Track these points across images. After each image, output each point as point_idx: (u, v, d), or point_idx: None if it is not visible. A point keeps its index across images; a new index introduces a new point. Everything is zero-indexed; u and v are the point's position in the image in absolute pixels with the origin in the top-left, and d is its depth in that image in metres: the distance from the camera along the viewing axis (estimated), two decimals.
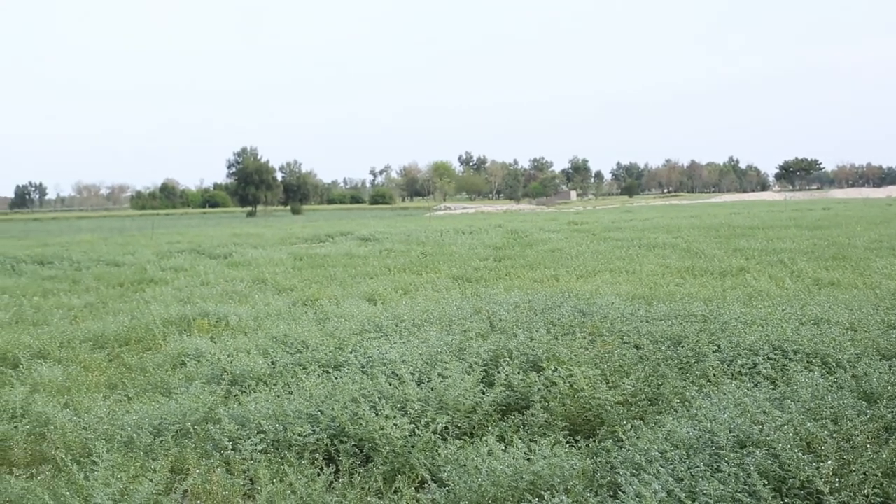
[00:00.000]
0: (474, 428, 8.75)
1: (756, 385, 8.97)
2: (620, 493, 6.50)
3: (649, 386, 9.44)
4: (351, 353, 11.41)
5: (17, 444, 8.98)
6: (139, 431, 8.78)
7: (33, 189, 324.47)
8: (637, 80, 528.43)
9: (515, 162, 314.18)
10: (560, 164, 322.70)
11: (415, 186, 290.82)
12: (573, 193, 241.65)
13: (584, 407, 8.89)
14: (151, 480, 7.10)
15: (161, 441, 8.62)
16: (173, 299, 19.74)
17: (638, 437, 7.64)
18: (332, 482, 7.53)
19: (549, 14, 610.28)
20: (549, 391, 9.16)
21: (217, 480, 7.56)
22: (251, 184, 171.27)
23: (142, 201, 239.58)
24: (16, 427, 9.35)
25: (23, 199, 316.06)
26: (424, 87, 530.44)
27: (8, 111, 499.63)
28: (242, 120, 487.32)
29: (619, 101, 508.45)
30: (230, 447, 8.17)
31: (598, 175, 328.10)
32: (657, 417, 8.52)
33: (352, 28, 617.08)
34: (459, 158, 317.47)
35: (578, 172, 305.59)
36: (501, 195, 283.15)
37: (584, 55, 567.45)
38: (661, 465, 6.76)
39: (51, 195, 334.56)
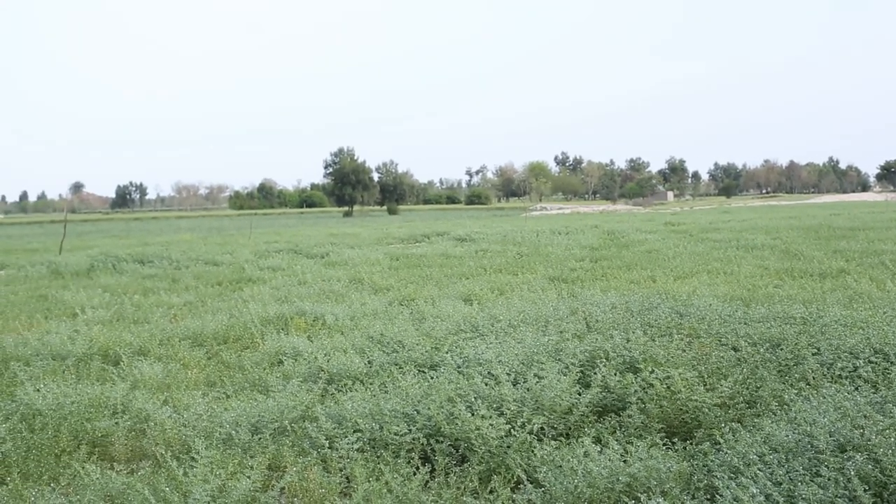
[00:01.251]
0: (570, 429, 8.71)
1: (857, 388, 8.82)
2: (718, 496, 6.44)
3: (747, 388, 9.35)
4: (447, 352, 11.41)
5: (118, 440, 9.11)
6: (237, 429, 8.86)
7: (134, 189, 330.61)
8: (736, 70, 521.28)
9: (612, 162, 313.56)
10: (657, 165, 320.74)
11: (511, 187, 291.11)
12: (670, 194, 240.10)
13: (681, 409, 8.83)
14: (249, 477, 7.16)
15: (259, 438, 8.70)
16: (271, 298, 19.90)
17: (736, 440, 7.56)
18: (427, 481, 7.56)
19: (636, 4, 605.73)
20: (646, 393, 9.10)
21: (314, 478, 7.62)
22: (348, 184, 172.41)
23: (240, 201, 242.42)
24: (117, 423, 9.49)
25: (124, 198, 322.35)
26: (521, 87, 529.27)
27: (110, 115, 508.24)
28: (340, 120, 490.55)
29: (715, 93, 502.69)
30: (327, 445, 8.23)
31: (696, 175, 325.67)
32: (755, 420, 8.42)
33: (446, 31, 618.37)
34: (555, 159, 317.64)
35: (675, 173, 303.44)
36: (597, 196, 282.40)
37: (681, 44, 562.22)
38: (759, 469, 6.68)
39: (151, 195, 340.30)
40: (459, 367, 10.61)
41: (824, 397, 8.42)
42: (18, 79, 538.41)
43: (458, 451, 8.25)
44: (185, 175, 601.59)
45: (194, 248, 39.15)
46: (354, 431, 8.53)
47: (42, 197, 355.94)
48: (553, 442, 8.05)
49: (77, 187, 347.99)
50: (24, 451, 8.77)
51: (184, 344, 14.15)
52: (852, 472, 6.31)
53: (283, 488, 7.63)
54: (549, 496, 6.90)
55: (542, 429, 8.46)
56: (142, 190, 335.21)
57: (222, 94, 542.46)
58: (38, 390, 10.40)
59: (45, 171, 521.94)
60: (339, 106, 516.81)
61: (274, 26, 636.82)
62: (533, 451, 7.80)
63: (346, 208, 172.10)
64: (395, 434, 8.31)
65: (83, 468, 7.84)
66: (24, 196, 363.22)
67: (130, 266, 31.06)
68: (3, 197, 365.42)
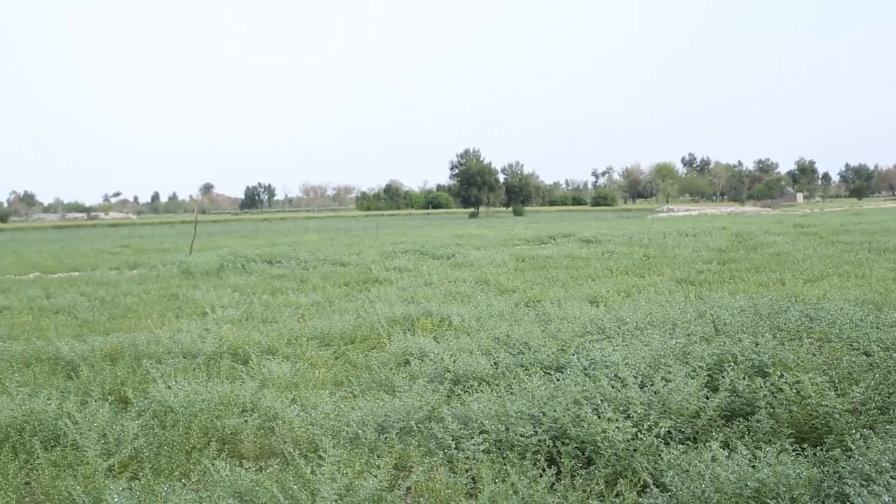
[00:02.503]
0: (697, 433, 8.63)
1: None
2: (848, 503, 6.33)
3: (879, 394, 9.15)
4: (573, 354, 11.38)
5: (247, 438, 9.23)
6: (364, 428, 8.93)
7: (262, 190, 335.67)
8: (870, 65, 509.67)
9: (739, 163, 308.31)
10: (786, 166, 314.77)
11: (637, 188, 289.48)
12: (799, 195, 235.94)
13: (810, 414, 8.68)
14: (376, 476, 7.20)
15: (385, 438, 8.76)
16: (397, 299, 20.01)
17: (867, 447, 7.42)
18: (553, 484, 7.54)
19: None
20: (775, 397, 8.97)
21: (440, 478, 7.64)
22: (473, 185, 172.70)
23: (366, 202, 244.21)
24: (246, 421, 9.63)
25: (252, 199, 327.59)
26: (649, 82, 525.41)
27: (238, 116, 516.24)
28: (465, 121, 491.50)
29: (848, 91, 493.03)
30: (453, 446, 8.26)
31: (826, 177, 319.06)
32: (888, 427, 8.25)
33: (568, 28, 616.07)
34: (682, 160, 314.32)
35: (805, 174, 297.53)
36: (725, 197, 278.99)
37: (818, 37, 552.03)
38: (891, 477, 6.56)
39: (279, 196, 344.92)
40: (586, 370, 10.57)
41: None
42: (153, 83, 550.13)
43: (584, 454, 8.22)
44: (312, 176, 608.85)
45: (321, 249, 39.56)
46: (480, 432, 8.56)
47: (173, 198, 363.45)
48: (680, 446, 7.98)
49: (207, 188, 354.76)
50: (156, 447, 8.96)
51: (311, 343, 14.30)
52: None
53: (409, 488, 7.67)
54: (676, 500, 6.86)
55: (669, 432, 8.40)
56: (270, 191, 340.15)
57: (349, 96, 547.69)
58: (169, 387, 10.61)
59: (175, 172, 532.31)
60: (465, 108, 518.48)
61: (399, 30, 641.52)
62: (660, 455, 7.76)
63: (471, 209, 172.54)
64: (521, 436, 8.32)
65: (213, 465, 7.97)
66: (155, 197, 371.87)
67: (259, 266, 31.54)
68: (136, 198, 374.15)
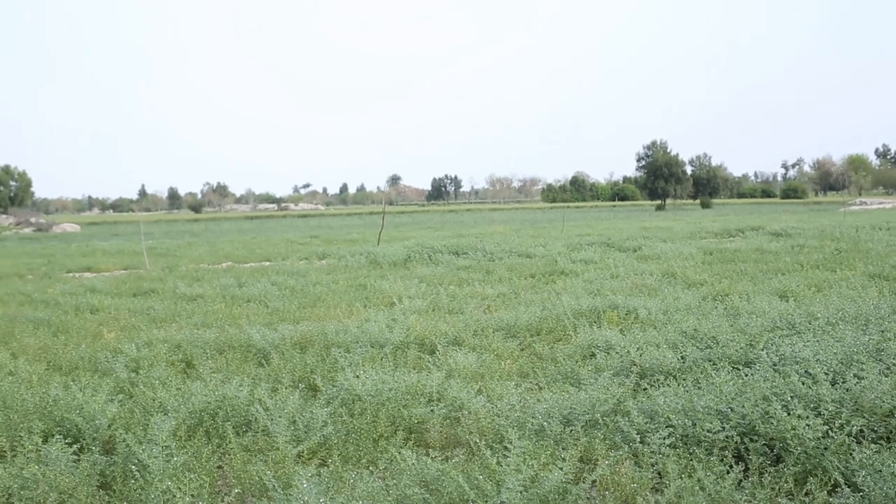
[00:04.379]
0: (891, 432, 8.42)
1: None
2: None
3: None
4: (762, 350, 11.21)
5: (433, 427, 9.32)
6: (549, 420, 8.93)
7: (448, 182, 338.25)
8: None
9: None
10: None
11: (828, 181, 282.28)
12: None
13: None
14: (561, 469, 7.18)
15: (571, 431, 8.74)
16: (583, 291, 19.97)
17: None
18: (741, 480, 7.43)
19: None
20: None
21: (625, 472, 7.60)
22: (660, 177, 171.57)
23: (552, 194, 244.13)
24: (432, 410, 9.71)
25: (439, 191, 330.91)
26: (840, 71, 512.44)
27: (427, 109, 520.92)
28: (652, 112, 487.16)
29: None
30: (638, 440, 8.20)
31: None
32: None
33: (762, 17, 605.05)
34: (876, 151, 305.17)
35: None
36: None
37: None
38: None
39: (465, 187, 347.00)
40: (775, 365, 10.39)
41: None
42: (344, 78, 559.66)
43: (772, 451, 8.10)
44: (498, 167, 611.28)
45: (507, 240, 39.74)
46: (666, 427, 8.48)
47: (361, 189, 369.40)
48: (873, 445, 7.79)
49: (394, 180, 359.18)
50: (344, 435, 9.12)
51: (497, 335, 14.35)
52: None
53: (594, 481, 7.65)
54: (868, 501, 6.70)
55: (861, 431, 8.21)
56: (456, 182, 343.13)
57: (536, 89, 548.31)
58: (357, 376, 10.77)
59: (364, 163, 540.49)
60: (652, 96, 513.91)
61: (580, 23, 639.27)
62: (851, 454, 7.58)
63: (658, 202, 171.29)
64: (709, 431, 8.23)
65: (399, 453, 8.07)
66: (343, 188, 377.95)
67: (445, 257, 31.84)
68: (325, 189, 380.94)
